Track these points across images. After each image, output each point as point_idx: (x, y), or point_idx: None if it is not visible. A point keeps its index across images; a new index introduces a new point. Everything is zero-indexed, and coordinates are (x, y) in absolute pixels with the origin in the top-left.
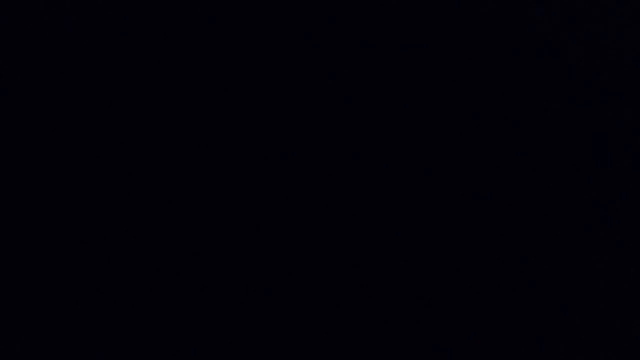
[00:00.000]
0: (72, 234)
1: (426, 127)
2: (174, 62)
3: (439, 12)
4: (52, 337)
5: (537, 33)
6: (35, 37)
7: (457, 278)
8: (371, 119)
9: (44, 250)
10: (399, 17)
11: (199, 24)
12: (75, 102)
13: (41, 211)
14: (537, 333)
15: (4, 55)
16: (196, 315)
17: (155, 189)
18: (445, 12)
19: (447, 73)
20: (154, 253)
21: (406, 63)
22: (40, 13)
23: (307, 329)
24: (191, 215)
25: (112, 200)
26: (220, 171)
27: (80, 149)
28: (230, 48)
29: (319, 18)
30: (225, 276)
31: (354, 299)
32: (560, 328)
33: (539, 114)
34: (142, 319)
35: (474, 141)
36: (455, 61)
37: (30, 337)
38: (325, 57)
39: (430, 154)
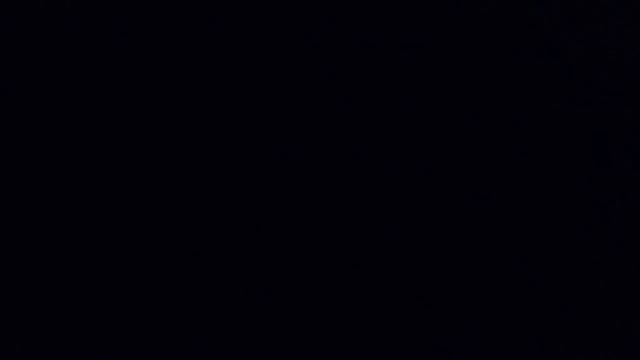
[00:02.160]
0: (72, 233)
1: (426, 127)
2: (174, 62)
3: (439, 12)
4: (52, 337)
5: (537, 33)
6: (35, 37)
7: (457, 278)
8: (371, 119)
9: (44, 250)
10: (399, 17)
11: (199, 24)
12: (76, 102)
13: (41, 211)
14: (537, 333)
15: (4, 55)
16: (196, 315)
17: (155, 188)
18: (445, 12)
19: (447, 73)
20: (154, 253)
21: (406, 63)
22: (40, 13)
23: (307, 329)
24: (191, 215)
25: (112, 200)
26: (220, 171)
27: (81, 149)
28: (230, 48)
29: (319, 18)
30: (225, 276)
31: (354, 299)
32: (560, 328)
33: (539, 114)
34: (142, 319)
35: (474, 141)
36: (456, 61)
37: (30, 337)
38: (325, 57)
39: (430, 154)
